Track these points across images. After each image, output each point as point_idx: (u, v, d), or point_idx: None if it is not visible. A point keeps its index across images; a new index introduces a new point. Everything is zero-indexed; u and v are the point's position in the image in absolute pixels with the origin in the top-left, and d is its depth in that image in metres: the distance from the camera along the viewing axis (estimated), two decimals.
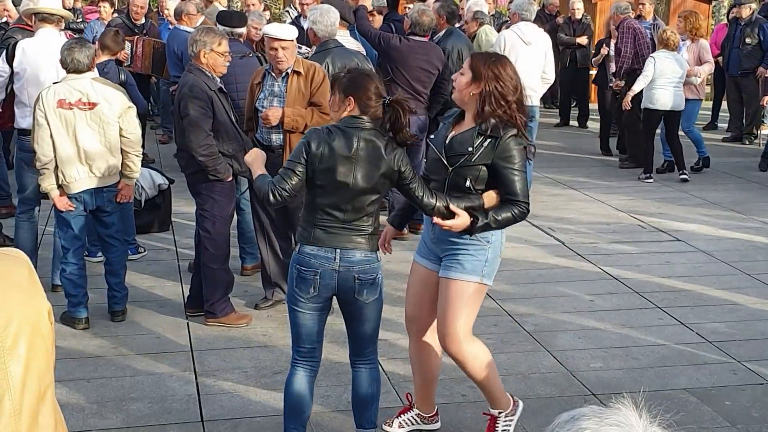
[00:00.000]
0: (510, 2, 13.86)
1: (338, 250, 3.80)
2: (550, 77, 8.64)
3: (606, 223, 8.23)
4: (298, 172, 3.78)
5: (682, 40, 10.31)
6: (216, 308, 5.73)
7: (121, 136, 5.60)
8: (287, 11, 11.39)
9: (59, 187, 5.59)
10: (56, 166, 5.54)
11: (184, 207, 7.84)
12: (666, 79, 9.83)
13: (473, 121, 3.99)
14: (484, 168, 3.93)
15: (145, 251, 7.19)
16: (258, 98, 5.76)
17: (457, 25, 9.03)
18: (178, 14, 9.31)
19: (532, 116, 8.18)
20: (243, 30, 7.01)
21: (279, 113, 5.62)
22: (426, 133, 7.21)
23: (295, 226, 5.92)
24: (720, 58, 12.15)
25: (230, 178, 5.66)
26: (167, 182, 7.91)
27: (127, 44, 9.32)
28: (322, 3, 8.07)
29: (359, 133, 3.80)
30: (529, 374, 5.12)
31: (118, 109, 5.56)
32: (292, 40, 5.61)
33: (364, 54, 7.11)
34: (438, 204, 3.86)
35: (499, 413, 4.29)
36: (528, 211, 4.01)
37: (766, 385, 4.97)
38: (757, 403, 4.77)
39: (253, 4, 10.14)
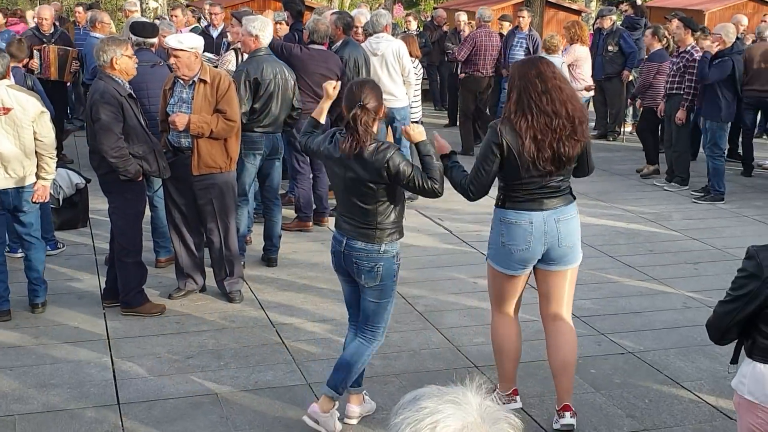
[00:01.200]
0: (407, 15, 13.94)
1: (346, 238, 3.99)
2: (410, 79, 8.56)
3: (488, 213, 8.19)
4: (315, 142, 4.11)
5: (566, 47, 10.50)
6: (131, 299, 5.58)
7: (35, 139, 5.38)
8: (198, 19, 11.25)
9: None
10: None
11: (100, 204, 7.55)
12: None
13: None
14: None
15: (63, 247, 6.94)
16: (169, 103, 5.64)
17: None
18: (92, 22, 9.29)
19: (393, 117, 8.15)
20: (155, 40, 6.80)
21: (185, 119, 5.49)
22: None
23: (206, 222, 5.82)
24: None
25: (140, 178, 5.49)
26: (84, 181, 7.64)
27: (38, 53, 9.41)
28: (233, 15, 7.95)
29: (348, 139, 3.90)
30: (420, 350, 5.15)
31: (31, 114, 5.35)
32: (189, 50, 5.48)
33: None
34: (434, 185, 3.98)
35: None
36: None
37: (626, 354, 5.10)
38: (618, 370, 4.89)
39: (176, 16, 10.16)
